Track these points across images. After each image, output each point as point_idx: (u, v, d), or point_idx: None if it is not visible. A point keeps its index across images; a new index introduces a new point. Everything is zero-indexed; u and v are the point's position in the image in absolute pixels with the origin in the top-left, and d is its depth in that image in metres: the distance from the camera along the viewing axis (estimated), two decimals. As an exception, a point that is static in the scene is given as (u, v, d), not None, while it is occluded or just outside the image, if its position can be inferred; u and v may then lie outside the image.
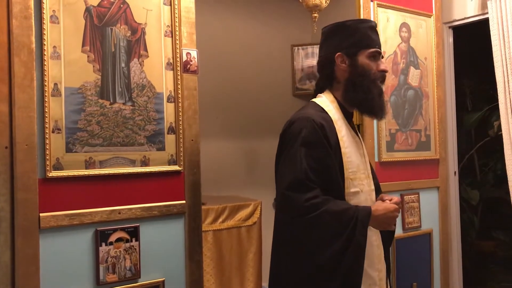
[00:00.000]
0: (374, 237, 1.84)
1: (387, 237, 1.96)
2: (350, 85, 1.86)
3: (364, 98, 1.84)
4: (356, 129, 1.98)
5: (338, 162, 1.78)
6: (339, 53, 1.86)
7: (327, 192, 1.72)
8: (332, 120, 1.82)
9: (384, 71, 1.88)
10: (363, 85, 1.84)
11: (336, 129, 1.81)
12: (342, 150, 1.79)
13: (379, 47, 1.90)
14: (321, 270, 1.68)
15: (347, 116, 1.91)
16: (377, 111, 1.89)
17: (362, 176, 1.86)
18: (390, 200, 1.83)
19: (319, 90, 1.96)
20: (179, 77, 2.22)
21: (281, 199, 1.74)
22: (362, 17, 2.98)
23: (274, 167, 1.88)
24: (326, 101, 1.89)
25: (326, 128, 1.77)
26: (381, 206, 1.78)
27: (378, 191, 2.00)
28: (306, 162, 1.70)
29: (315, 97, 1.94)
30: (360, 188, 1.83)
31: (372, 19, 3.04)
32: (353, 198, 1.80)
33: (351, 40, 1.87)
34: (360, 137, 1.98)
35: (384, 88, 1.92)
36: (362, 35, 1.87)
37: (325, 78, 1.93)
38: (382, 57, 1.92)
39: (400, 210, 1.88)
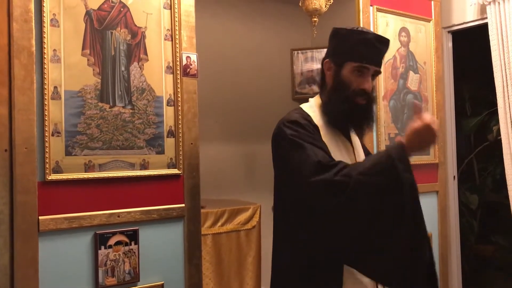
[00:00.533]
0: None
1: None
2: (328, 96, 1.80)
3: (332, 111, 1.77)
4: (351, 133, 1.89)
5: None
6: (327, 59, 1.80)
7: None
8: (316, 126, 1.76)
9: (363, 90, 1.74)
10: (334, 99, 1.76)
11: (321, 135, 1.74)
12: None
13: (372, 64, 1.74)
14: (387, 226, 1.56)
15: (332, 123, 1.81)
16: (341, 126, 1.81)
17: None
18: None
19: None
20: (178, 81, 2.22)
21: (311, 190, 1.59)
22: (361, 22, 2.99)
23: (274, 175, 1.87)
24: (312, 107, 1.84)
25: (311, 128, 1.72)
26: (410, 129, 1.58)
27: None
28: (314, 151, 1.63)
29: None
30: None
31: (371, 23, 3.05)
32: None
33: (340, 49, 1.78)
34: (354, 141, 1.88)
35: (365, 103, 1.77)
36: (351, 46, 1.74)
37: (320, 82, 1.89)
38: (377, 73, 1.78)
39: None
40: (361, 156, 1.87)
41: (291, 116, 1.78)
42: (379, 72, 1.80)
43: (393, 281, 1.61)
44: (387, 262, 1.57)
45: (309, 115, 1.80)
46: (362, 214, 1.56)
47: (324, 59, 1.85)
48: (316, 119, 1.79)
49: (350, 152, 1.84)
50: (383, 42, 1.79)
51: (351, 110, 1.74)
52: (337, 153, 1.75)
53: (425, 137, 1.58)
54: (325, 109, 1.81)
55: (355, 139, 1.90)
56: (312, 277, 1.70)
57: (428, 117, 1.58)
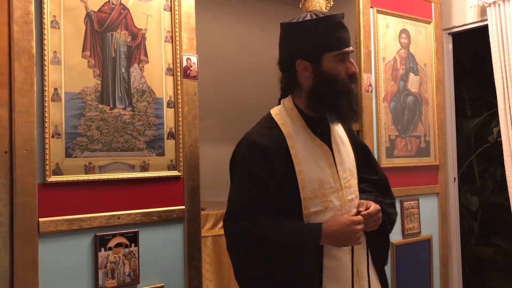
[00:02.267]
0: (347, 256, 1.65)
1: (379, 255, 1.81)
2: (314, 95, 1.65)
3: (332, 107, 1.64)
4: (332, 134, 1.75)
5: (290, 183, 1.61)
6: (299, 60, 1.63)
7: (287, 212, 1.61)
8: (283, 136, 1.65)
9: (353, 74, 1.64)
10: (328, 95, 1.62)
11: (288, 146, 1.63)
12: (296, 168, 1.62)
13: (347, 45, 1.64)
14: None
15: (311, 124, 1.71)
16: (347, 119, 1.71)
17: (327, 192, 1.64)
18: (357, 212, 1.62)
19: (283, 94, 1.78)
20: (179, 83, 2.22)
21: (223, 229, 1.72)
22: (361, 24, 2.99)
23: None
24: (282, 111, 1.72)
25: (269, 150, 1.61)
26: (336, 221, 1.58)
27: (383, 188, 1.88)
28: (245, 192, 1.63)
29: (279, 102, 1.79)
30: (324, 205, 1.63)
31: (371, 25, 3.06)
32: (315, 218, 1.62)
33: (312, 42, 1.61)
34: (338, 143, 1.76)
35: (354, 86, 1.69)
36: (325, 35, 1.60)
37: (286, 84, 1.75)
38: (352, 52, 1.67)
39: (371, 220, 1.62)
40: (343, 158, 1.74)
41: (252, 132, 1.73)
42: (352, 51, 1.70)
43: None
44: None
45: (277, 125, 1.69)
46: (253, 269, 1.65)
47: (290, 58, 1.67)
48: (286, 126, 1.69)
49: (328, 156, 1.70)
50: (343, 18, 1.68)
51: (346, 98, 1.64)
52: (311, 160, 1.66)
53: (345, 234, 1.58)
54: (316, 108, 1.68)
55: (337, 139, 1.77)
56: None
57: (357, 217, 1.59)
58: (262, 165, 1.62)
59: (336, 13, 1.66)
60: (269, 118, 1.74)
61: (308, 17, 1.65)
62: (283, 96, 1.79)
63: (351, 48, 1.67)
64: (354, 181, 1.76)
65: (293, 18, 1.70)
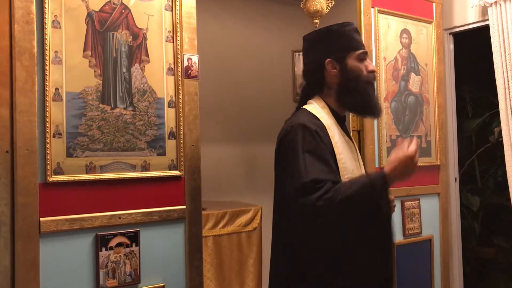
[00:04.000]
0: None
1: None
2: (345, 90, 1.85)
3: (362, 100, 1.84)
4: (350, 134, 1.97)
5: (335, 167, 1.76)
6: (329, 59, 1.85)
7: None
8: (325, 127, 1.80)
9: (373, 71, 1.88)
10: (358, 88, 1.83)
11: (329, 135, 1.79)
12: (337, 156, 1.77)
13: (364, 47, 1.91)
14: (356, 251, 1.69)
15: (340, 121, 1.90)
16: (377, 111, 1.89)
17: None
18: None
19: (307, 97, 1.93)
20: (180, 82, 2.22)
21: (295, 207, 1.68)
22: (363, 23, 2.99)
23: (274, 177, 1.88)
24: (317, 108, 1.86)
25: (320, 134, 1.75)
26: (394, 159, 1.70)
27: None
28: (310, 166, 1.67)
29: (303, 104, 1.92)
30: None
31: (372, 25, 3.06)
32: None
33: (339, 44, 1.86)
34: (354, 141, 1.97)
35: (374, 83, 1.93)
36: (349, 38, 1.86)
37: (314, 85, 1.91)
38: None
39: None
40: (359, 155, 1.96)
41: (300, 119, 1.80)
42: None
43: None
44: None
45: (316, 117, 1.82)
46: (337, 240, 1.68)
47: (318, 60, 1.88)
48: (324, 119, 1.82)
49: (353, 151, 1.90)
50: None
51: (370, 91, 1.86)
52: (346, 152, 1.82)
53: (407, 168, 1.69)
54: (347, 103, 1.86)
55: (352, 138, 1.98)
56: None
57: (412, 148, 1.69)
58: (320, 144, 1.74)
59: (347, 22, 1.92)
60: (307, 112, 1.86)
61: (332, 26, 1.90)
62: (305, 98, 1.94)
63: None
64: None
65: (316, 29, 1.97)
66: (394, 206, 1.83)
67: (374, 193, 1.65)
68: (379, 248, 1.71)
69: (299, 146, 1.71)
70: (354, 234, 1.67)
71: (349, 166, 1.80)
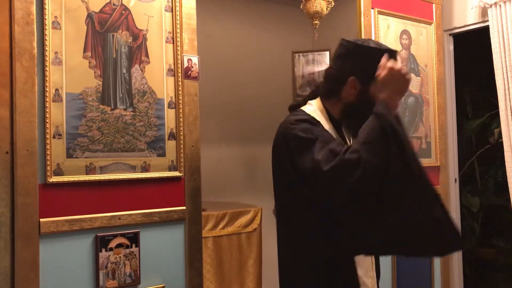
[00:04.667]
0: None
1: None
2: (353, 110, 1.80)
3: (355, 122, 1.77)
4: (346, 138, 1.93)
5: None
6: (353, 77, 1.77)
7: None
8: (323, 127, 1.77)
9: None
10: (360, 113, 1.75)
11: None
12: None
13: None
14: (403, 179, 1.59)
15: (337, 126, 1.86)
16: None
17: None
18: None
19: (312, 96, 1.91)
20: (180, 83, 2.22)
21: (328, 179, 1.60)
22: (362, 24, 2.99)
23: (272, 177, 1.87)
24: (316, 110, 1.84)
25: (321, 126, 1.75)
26: (386, 84, 1.67)
27: None
28: (324, 145, 1.64)
29: (303, 103, 1.90)
30: None
31: (372, 26, 3.06)
32: None
33: (369, 67, 1.75)
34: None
35: None
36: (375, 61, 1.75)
37: (328, 91, 1.86)
38: None
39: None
40: None
41: (297, 116, 1.79)
42: None
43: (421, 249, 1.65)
44: (408, 230, 1.60)
45: (314, 118, 1.80)
46: (377, 181, 1.58)
47: (343, 72, 1.80)
48: (323, 121, 1.79)
49: None
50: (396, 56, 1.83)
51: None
52: None
53: (396, 81, 1.66)
54: (350, 122, 1.83)
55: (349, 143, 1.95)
56: (328, 280, 1.71)
57: (388, 63, 1.67)
58: (323, 130, 1.72)
59: (393, 49, 1.82)
60: (305, 113, 1.82)
61: (372, 44, 1.81)
62: (311, 97, 1.91)
63: None
64: None
65: (357, 39, 1.86)
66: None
67: (384, 119, 1.61)
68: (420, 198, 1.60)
69: (307, 135, 1.69)
70: (392, 180, 1.58)
71: None
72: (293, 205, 1.79)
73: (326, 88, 1.87)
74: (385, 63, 1.68)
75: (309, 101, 1.90)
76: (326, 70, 1.90)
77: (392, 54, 1.78)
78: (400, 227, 1.60)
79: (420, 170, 1.61)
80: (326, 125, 1.80)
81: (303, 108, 1.87)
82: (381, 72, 1.68)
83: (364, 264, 1.78)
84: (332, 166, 1.58)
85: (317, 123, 1.75)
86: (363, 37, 2.97)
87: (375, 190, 1.60)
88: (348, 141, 1.93)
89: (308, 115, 1.80)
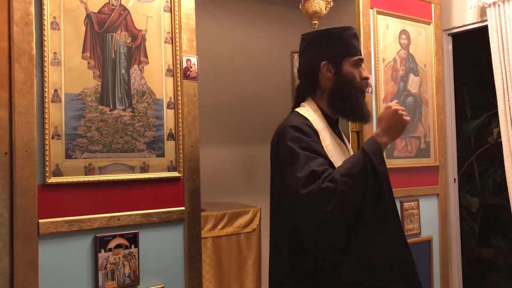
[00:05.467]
0: None
1: None
2: (336, 95, 1.85)
3: (352, 106, 1.84)
4: (342, 135, 1.97)
5: None
6: (324, 61, 1.84)
7: None
8: (316, 130, 1.80)
9: (367, 78, 1.88)
10: (350, 94, 1.83)
11: (320, 139, 1.79)
12: (330, 159, 1.76)
13: (361, 54, 1.91)
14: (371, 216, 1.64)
15: (332, 124, 1.90)
16: (366, 118, 1.89)
17: None
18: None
19: (301, 97, 1.94)
20: (179, 84, 2.22)
21: (303, 202, 1.64)
22: (361, 24, 2.99)
23: (270, 179, 1.88)
24: (309, 111, 1.87)
25: (312, 134, 1.76)
26: (382, 120, 1.76)
27: None
28: (308, 161, 1.66)
29: (296, 106, 1.93)
30: None
31: (371, 26, 3.06)
32: None
33: (336, 48, 1.85)
34: (347, 143, 1.98)
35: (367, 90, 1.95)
36: (347, 43, 1.86)
37: (308, 86, 1.92)
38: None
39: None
40: None
41: (292, 121, 1.80)
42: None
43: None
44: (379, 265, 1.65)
45: (308, 119, 1.81)
46: (350, 214, 1.63)
47: (314, 61, 1.87)
48: (315, 122, 1.82)
49: (346, 154, 1.90)
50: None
51: (362, 98, 1.86)
52: (337, 155, 1.81)
53: (396, 123, 1.74)
54: (337, 107, 1.86)
55: (345, 140, 1.98)
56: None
57: (392, 104, 1.76)
58: (314, 142, 1.74)
59: (350, 26, 1.92)
60: (299, 114, 1.86)
61: (329, 29, 1.89)
62: (298, 100, 1.95)
63: (363, 58, 1.91)
64: None
65: (313, 30, 1.97)
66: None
67: (368, 156, 1.65)
68: (390, 236, 1.66)
69: (295, 146, 1.71)
70: (364, 216, 1.63)
71: None
72: (279, 210, 1.82)
73: (306, 84, 1.93)
74: (393, 104, 1.77)
75: (302, 103, 1.93)
76: (298, 69, 1.97)
77: (352, 30, 1.89)
78: (368, 264, 1.64)
79: (394, 212, 1.68)
80: (320, 124, 1.82)
81: (298, 109, 1.89)
82: (386, 110, 1.76)
83: None
84: (309, 191, 1.61)
85: (308, 131, 1.75)
86: (362, 37, 2.98)
87: (346, 222, 1.63)
88: (344, 137, 1.96)
89: (304, 119, 1.82)
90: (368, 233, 1.63)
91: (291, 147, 1.71)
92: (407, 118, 1.75)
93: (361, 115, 1.87)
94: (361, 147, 1.72)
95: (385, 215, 1.65)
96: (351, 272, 1.65)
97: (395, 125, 1.75)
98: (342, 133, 1.99)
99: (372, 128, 2.99)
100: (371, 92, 3.01)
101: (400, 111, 1.74)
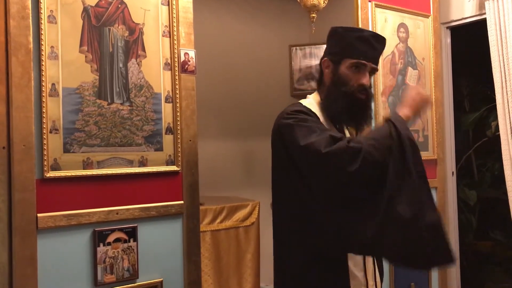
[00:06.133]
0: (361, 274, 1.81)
1: None
2: (328, 93, 1.85)
3: (336, 109, 1.80)
4: (345, 132, 1.94)
5: None
6: (325, 58, 1.87)
7: None
8: (318, 118, 1.80)
9: (362, 85, 1.79)
10: (334, 95, 1.81)
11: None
12: None
13: (368, 60, 1.80)
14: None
15: (332, 117, 1.88)
16: (344, 122, 1.87)
17: None
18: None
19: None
20: (177, 78, 2.21)
21: (327, 161, 1.60)
22: (360, 17, 2.99)
23: (271, 170, 1.88)
24: (312, 102, 1.88)
25: (314, 116, 1.78)
26: (405, 100, 1.82)
27: None
28: (317, 128, 1.69)
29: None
30: None
31: (370, 19, 3.05)
32: None
33: (337, 47, 1.84)
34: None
35: (365, 98, 1.84)
36: (348, 44, 1.80)
37: (318, 80, 1.95)
38: (374, 70, 1.85)
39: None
40: None
41: (292, 107, 1.81)
42: (376, 70, 1.87)
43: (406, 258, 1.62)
44: (396, 234, 1.57)
45: (310, 110, 1.82)
46: (375, 176, 1.61)
47: (322, 58, 1.90)
48: (317, 114, 1.82)
49: None
50: (379, 40, 1.86)
51: (351, 104, 1.79)
52: None
53: (421, 106, 1.79)
54: (325, 104, 1.85)
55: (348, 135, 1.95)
56: (319, 273, 1.73)
57: (422, 90, 1.84)
58: (315, 121, 1.75)
59: (370, 30, 1.96)
60: (302, 105, 1.85)
61: (343, 28, 1.88)
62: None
63: (371, 64, 1.82)
64: None
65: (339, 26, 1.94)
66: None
67: (392, 123, 1.67)
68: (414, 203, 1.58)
69: (301, 122, 1.70)
70: (387, 179, 1.60)
71: None
72: (285, 196, 1.81)
73: (317, 77, 1.96)
74: (421, 89, 1.83)
75: (308, 95, 1.94)
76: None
77: (362, 32, 1.86)
78: (389, 227, 1.57)
79: (420, 176, 1.61)
80: (321, 117, 1.82)
81: (301, 100, 1.90)
82: (413, 93, 1.80)
83: (354, 257, 1.79)
84: (332, 149, 1.59)
85: (313, 114, 1.77)
86: (360, 30, 2.97)
87: (370, 183, 1.61)
88: (346, 134, 1.94)
89: (305, 106, 1.82)
90: (390, 195, 1.58)
91: (296, 124, 1.70)
92: (427, 94, 1.82)
93: (345, 120, 1.86)
94: (386, 118, 1.73)
95: (409, 178, 1.59)
96: (365, 233, 1.60)
97: (422, 109, 1.81)
98: (347, 130, 1.96)
99: (370, 125, 2.99)
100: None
101: (420, 90, 1.81)
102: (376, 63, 1.85)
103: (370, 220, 1.60)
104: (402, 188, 1.58)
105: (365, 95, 1.81)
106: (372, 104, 2.93)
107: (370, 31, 1.91)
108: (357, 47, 1.80)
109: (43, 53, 1.89)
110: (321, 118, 1.82)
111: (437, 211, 1.61)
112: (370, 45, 1.81)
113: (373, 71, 1.85)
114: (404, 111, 1.76)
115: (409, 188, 1.58)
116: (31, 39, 1.86)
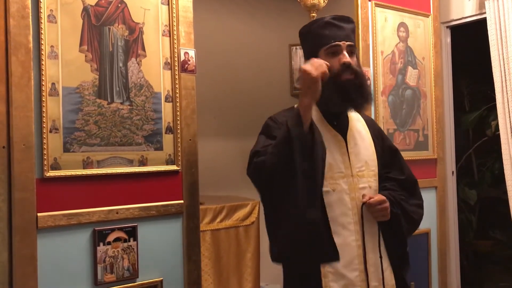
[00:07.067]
0: (352, 237, 1.82)
1: (393, 252, 1.94)
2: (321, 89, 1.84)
3: (325, 100, 1.81)
4: (350, 129, 1.96)
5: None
6: (306, 59, 1.89)
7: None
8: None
9: (345, 64, 1.80)
10: (325, 87, 1.77)
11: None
12: None
13: (339, 40, 1.83)
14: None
15: (328, 116, 1.91)
16: (338, 109, 1.89)
17: (336, 176, 1.84)
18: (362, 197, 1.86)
19: None
20: (177, 77, 2.21)
21: (251, 179, 1.80)
22: (360, 17, 2.98)
23: None
24: None
25: (280, 122, 1.83)
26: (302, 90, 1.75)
27: (409, 189, 2.11)
28: (258, 144, 1.83)
29: None
30: (331, 187, 1.83)
31: (370, 18, 3.05)
32: (325, 196, 1.81)
33: (309, 45, 1.90)
34: (353, 137, 1.96)
35: (352, 76, 1.83)
36: (315, 35, 1.86)
37: None
38: (352, 47, 1.84)
39: (374, 209, 1.83)
40: (359, 150, 1.93)
41: (275, 115, 1.95)
42: (354, 46, 1.87)
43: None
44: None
45: (289, 116, 1.84)
46: (284, 179, 1.70)
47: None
48: (313, 114, 1.80)
49: (341, 146, 1.91)
50: (343, 19, 1.89)
51: (340, 87, 1.80)
52: (332, 146, 1.87)
53: (304, 81, 1.69)
54: (320, 101, 1.83)
55: (355, 133, 1.95)
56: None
57: (305, 66, 1.70)
58: (278, 128, 1.81)
59: (330, 15, 1.90)
60: (293, 109, 1.90)
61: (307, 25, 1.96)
62: None
63: (342, 42, 1.84)
64: (369, 173, 1.93)
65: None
66: None
67: (286, 123, 1.70)
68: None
69: (261, 133, 1.88)
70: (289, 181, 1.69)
71: (332, 161, 1.84)
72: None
73: None
74: (306, 66, 1.70)
75: None
76: None
77: (321, 21, 1.88)
78: (289, 226, 1.73)
79: (305, 176, 1.68)
80: (315, 116, 1.82)
81: (296, 105, 1.93)
82: (302, 76, 1.72)
83: (346, 256, 1.79)
84: (249, 169, 1.78)
85: (283, 121, 1.79)
86: (360, 30, 2.97)
87: (280, 186, 1.71)
88: (344, 130, 1.96)
89: (292, 111, 1.84)
90: (283, 194, 1.72)
91: (259, 134, 1.88)
92: (307, 68, 1.67)
93: (339, 105, 1.84)
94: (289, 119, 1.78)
95: (297, 176, 1.68)
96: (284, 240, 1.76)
97: (305, 83, 1.69)
98: (354, 127, 1.96)
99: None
100: (369, 85, 3.01)
101: (304, 68, 1.68)
102: (349, 39, 1.86)
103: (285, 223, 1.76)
104: (290, 191, 1.70)
105: (353, 74, 1.82)
106: (369, 83, 2.89)
107: (330, 15, 1.88)
108: (324, 34, 1.84)
109: (43, 52, 1.89)
110: (315, 118, 1.80)
111: (314, 209, 1.72)
112: (335, 26, 1.85)
113: (352, 48, 1.85)
114: (300, 101, 1.72)
115: (295, 190, 1.69)
116: (31, 38, 1.86)
